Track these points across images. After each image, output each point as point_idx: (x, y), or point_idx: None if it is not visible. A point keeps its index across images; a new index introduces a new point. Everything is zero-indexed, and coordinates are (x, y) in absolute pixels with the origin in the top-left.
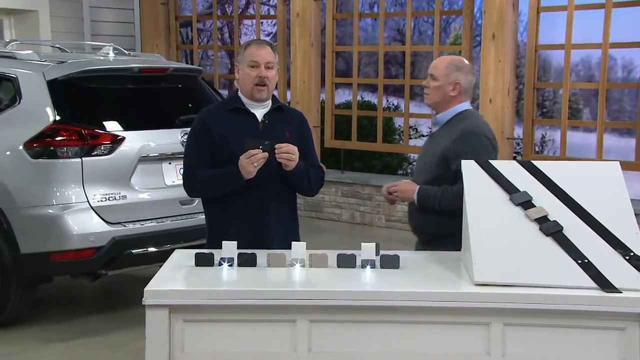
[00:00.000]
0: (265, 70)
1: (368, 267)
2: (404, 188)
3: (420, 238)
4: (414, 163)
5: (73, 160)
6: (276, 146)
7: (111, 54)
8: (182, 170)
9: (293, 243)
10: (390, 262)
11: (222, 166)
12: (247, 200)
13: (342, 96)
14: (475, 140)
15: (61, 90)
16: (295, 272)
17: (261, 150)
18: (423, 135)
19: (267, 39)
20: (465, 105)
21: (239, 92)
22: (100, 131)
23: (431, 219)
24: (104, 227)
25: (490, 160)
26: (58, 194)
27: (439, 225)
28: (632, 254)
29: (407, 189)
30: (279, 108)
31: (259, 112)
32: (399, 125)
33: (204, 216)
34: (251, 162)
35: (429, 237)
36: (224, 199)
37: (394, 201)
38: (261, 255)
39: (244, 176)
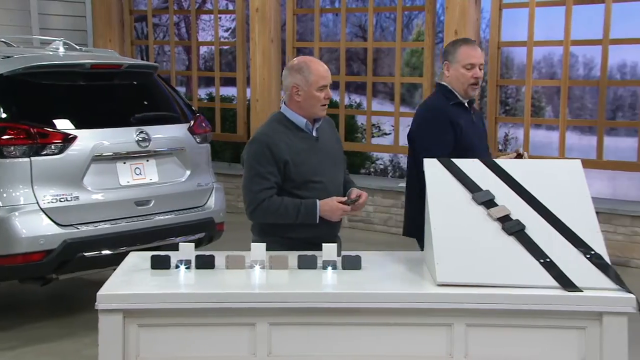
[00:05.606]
0: (479, 71)
1: (329, 268)
2: None
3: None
4: (377, 162)
5: (21, 159)
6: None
7: (61, 49)
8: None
9: (252, 244)
10: (352, 263)
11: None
12: None
13: None
14: None
15: (7, 87)
16: (255, 274)
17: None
18: (386, 134)
19: (226, 35)
20: None
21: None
22: (50, 129)
23: None
24: (55, 230)
25: (452, 159)
26: (5, 195)
27: None
28: (592, 252)
29: None
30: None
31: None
32: (362, 124)
33: (160, 217)
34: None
35: None
36: None
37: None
38: (219, 257)
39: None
